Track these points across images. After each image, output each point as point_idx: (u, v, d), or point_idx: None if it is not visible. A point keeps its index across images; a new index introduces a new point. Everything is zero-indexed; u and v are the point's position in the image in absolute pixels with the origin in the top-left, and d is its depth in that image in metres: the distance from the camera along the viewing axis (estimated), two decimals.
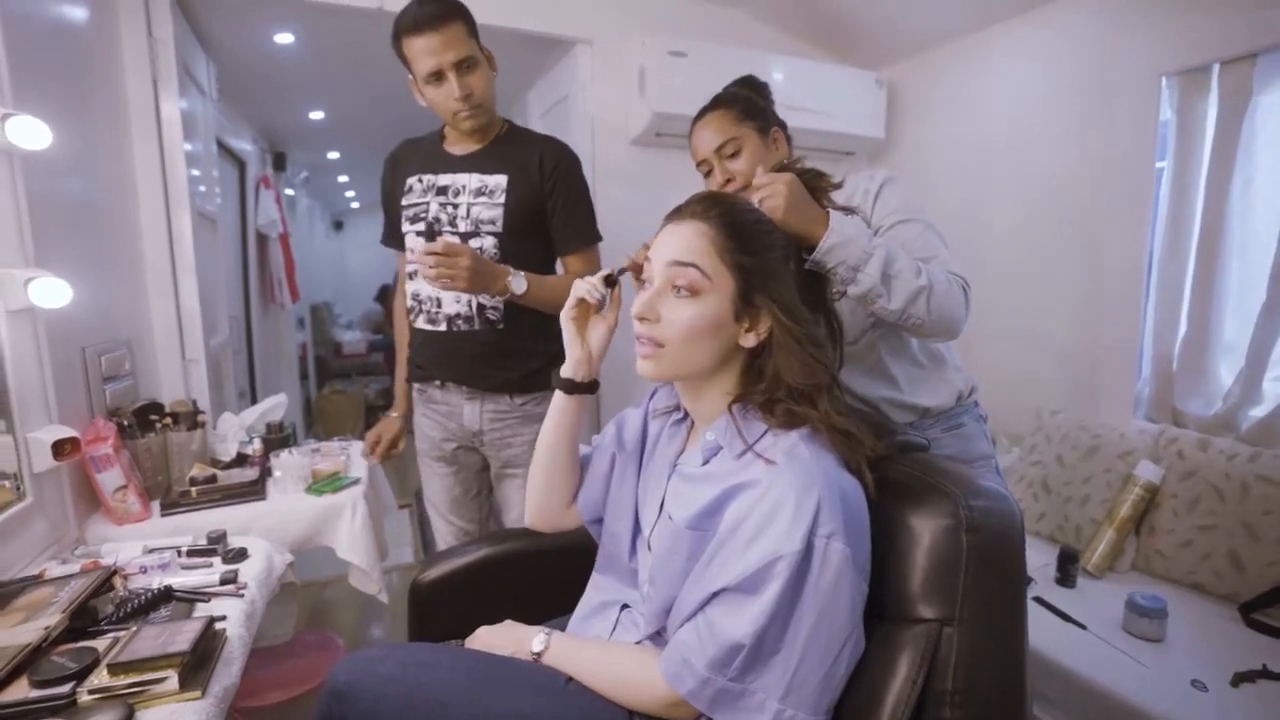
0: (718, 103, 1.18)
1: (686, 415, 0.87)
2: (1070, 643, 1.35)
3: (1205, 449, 1.57)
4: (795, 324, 0.74)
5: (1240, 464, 1.49)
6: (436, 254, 1.16)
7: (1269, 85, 1.54)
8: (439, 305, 1.35)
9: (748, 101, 1.16)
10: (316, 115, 3.43)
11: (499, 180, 1.32)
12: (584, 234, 1.40)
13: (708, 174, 1.19)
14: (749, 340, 0.76)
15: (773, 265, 0.76)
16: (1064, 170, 1.96)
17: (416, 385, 1.47)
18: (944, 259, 1.01)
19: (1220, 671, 1.22)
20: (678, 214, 0.79)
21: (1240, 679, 1.19)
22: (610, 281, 0.86)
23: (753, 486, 0.70)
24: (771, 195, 0.85)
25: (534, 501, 1.00)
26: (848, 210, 0.92)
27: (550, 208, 1.35)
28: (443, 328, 1.35)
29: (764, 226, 0.80)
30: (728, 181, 1.14)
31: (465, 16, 1.26)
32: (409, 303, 1.41)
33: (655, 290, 0.76)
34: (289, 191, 4.41)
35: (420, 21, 1.21)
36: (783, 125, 1.20)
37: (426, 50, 1.22)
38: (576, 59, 2.20)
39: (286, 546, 1.33)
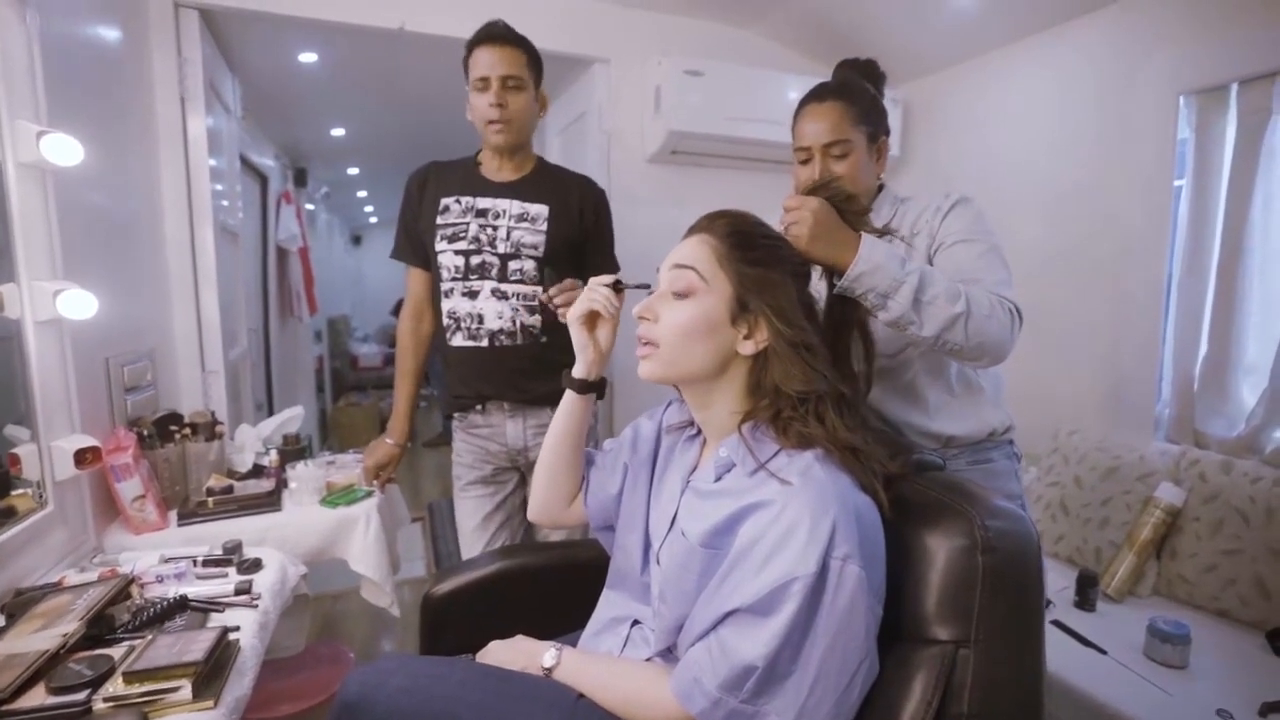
0: (841, 92, 1.09)
1: (699, 431, 0.87)
2: (1090, 668, 1.32)
3: (1229, 471, 1.54)
4: (790, 330, 0.74)
5: (1265, 487, 1.46)
6: (569, 289, 1.17)
7: None
8: (480, 321, 1.39)
9: (870, 103, 1.10)
10: (338, 132, 3.50)
11: (540, 209, 1.41)
12: (612, 268, 1.53)
13: (804, 161, 1.11)
14: (747, 347, 0.76)
15: (772, 276, 0.77)
16: (1081, 188, 1.95)
17: (456, 415, 1.48)
18: (998, 281, 0.97)
19: (1247, 701, 1.18)
20: (689, 231, 0.82)
21: (1269, 709, 1.15)
22: (617, 288, 0.91)
23: (767, 506, 0.69)
24: (798, 222, 0.84)
25: (538, 497, 1.03)
26: (884, 233, 0.89)
27: (589, 243, 1.48)
28: (485, 343, 1.39)
29: (769, 241, 0.81)
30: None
31: (530, 51, 1.39)
32: (445, 320, 1.43)
33: (658, 293, 0.80)
34: (309, 206, 4.50)
35: (492, 35, 1.35)
36: (888, 133, 1.14)
37: (484, 60, 1.34)
38: (594, 78, 2.23)
39: (300, 558, 1.34)
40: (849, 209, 0.87)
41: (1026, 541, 0.74)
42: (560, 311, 1.23)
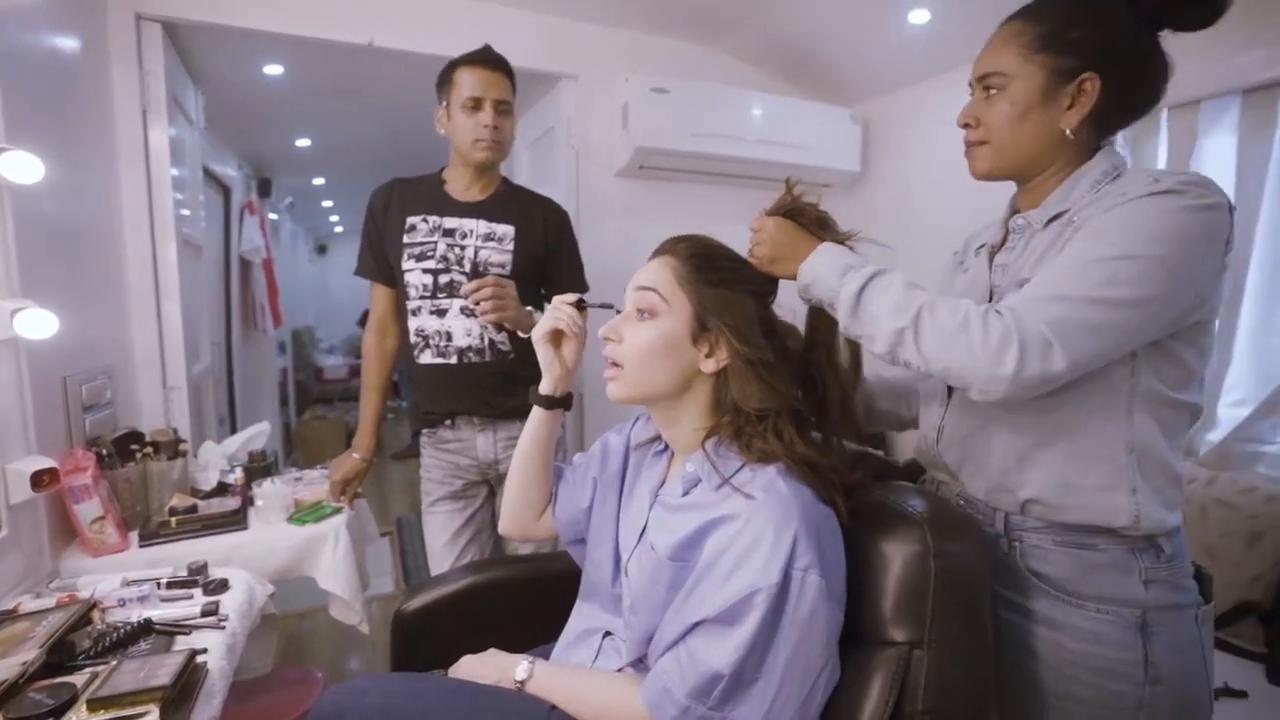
0: (1023, 11, 0.80)
1: (667, 446, 0.90)
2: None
3: None
4: (748, 348, 0.78)
5: (1199, 489, 1.55)
6: (489, 285, 1.28)
7: (1212, 129, 1.64)
8: (449, 339, 1.41)
9: (1058, 25, 0.76)
10: (303, 142, 3.46)
11: (507, 229, 1.44)
12: (582, 286, 1.56)
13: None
14: (708, 365, 0.80)
15: (730, 296, 0.80)
16: None
17: (425, 431, 1.49)
18: (1057, 298, 0.69)
19: None
20: (653, 253, 0.85)
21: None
22: (580, 306, 0.93)
23: (732, 520, 0.72)
24: (760, 244, 0.85)
25: (509, 510, 1.05)
26: (844, 239, 0.83)
27: (553, 263, 1.51)
28: (454, 360, 1.41)
29: (729, 263, 0.84)
30: (966, 126, 0.85)
31: (513, 77, 1.45)
32: (413, 338, 1.43)
33: (622, 315, 0.83)
34: (273, 216, 4.42)
35: (486, 60, 1.40)
36: (1118, 70, 0.75)
37: (478, 81, 1.38)
38: (562, 93, 2.26)
39: (268, 577, 1.33)
40: (804, 222, 0.85)
41: (976, 546, 0.78)
42: (481, 314, 1.30)
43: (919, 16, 2.00)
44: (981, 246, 0.91)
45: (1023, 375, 0.67)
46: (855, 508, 0.78)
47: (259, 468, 1.68)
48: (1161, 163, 1.73)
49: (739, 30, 2.29)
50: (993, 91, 0.80)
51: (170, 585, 1.14)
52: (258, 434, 1.78)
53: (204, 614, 1.05)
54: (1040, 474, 0.78)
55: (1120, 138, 0.84)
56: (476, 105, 1.37)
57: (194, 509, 1.44)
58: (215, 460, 1.65)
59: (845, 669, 0.73)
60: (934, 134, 2.35)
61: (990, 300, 0.84)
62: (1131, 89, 0.77)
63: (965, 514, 0.82)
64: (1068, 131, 0.77)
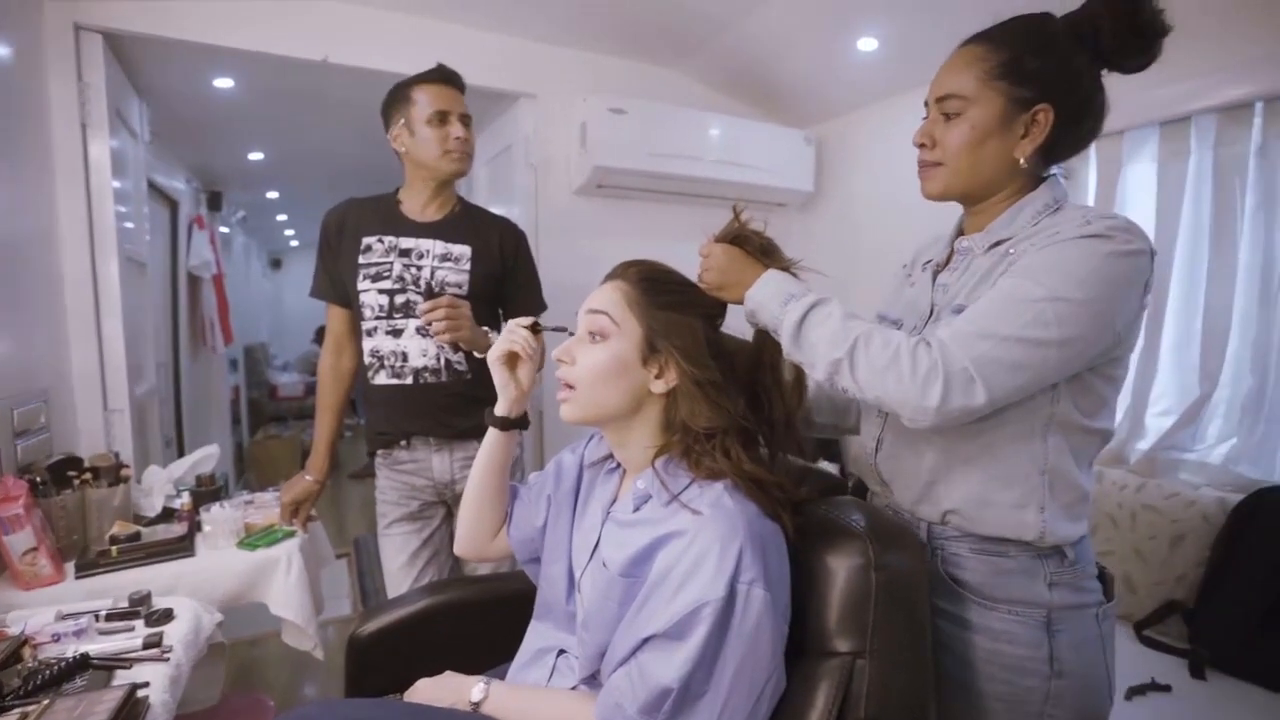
0: (982, 37, 0.81)
1: (619, 465, 0.92)
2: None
3: (1100, 480, 1.72)
4: (696, 369, 0.80)
5: (1129, 494, 1.64)
6: (443, 306, 1.28)
7: (1134, 157, 1.76)
8: (404, 360, 1.39)
9: (1017, 54, 0.77)
10: (256, 156, 3.39)
11: (464, 250, 1.43)
12: (539, 305, 1.56)
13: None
14: (658, 386, 0.82)
15: (678, 319, 0.83)
16: None
17: (380, 452, 1.47)
18: (984, 334, 0.71)
19: (1118, 686, 1.32)
20: (605, 278, 0.87)
21: (1133, 692, 1.30)
22: (535, 329, 0.94)
23: (680, 536, 0.74)
24: (707, 270, 0.87)
25: (464, 531, 1.04)
26: (788, 266, 0.85)
27: (510, 282, 1.51)
28: (409, 381, 1.40)
29: (678, 286, 0.86)
30: (922, 145, 0.85)
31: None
32: (368, 359, 1.42)
33: (575, 337, 0.85)
34: (224, 230, 4.30)
35: (445, 77, 1.41)
36: (1069, 104, 0.77)
37: (442, 96, 1.40)
38: (521, 111, 2.28)
39: (216, 604, 1.29)
40: (749, 249, 0.86)
41: (915, 557, 0.82)
42: (435, 334, 1.31)
43: (867, 44, 2.09)
44: (928, 263, 0.95)
45: (946, 408, 0.71)
46: (803, 524, 0.81)
47: (207, 492, 1.62)
48: (1092, 187, 1.84)
49: (697, 54, 2.35)
50: (951, 114, 0.81)
51: (110, 617, 1.10)
52: (206, 457, 1.73)
53: (146, 646, 1.02)
54: (961, 489, 0.83)
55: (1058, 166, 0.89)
56: (444, 118, 1.38)
57: (137, 536, 1.38)
58: (160, 485, 1.60)
59: (791, 679, 0.75)
60: (883, 155, 2.45)
61: (930, 315, 0.89)
62: (1080, 122, 0.80)
63: (903, 525, 0.86)
64: (1021, 160, 0.80)
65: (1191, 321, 1.72)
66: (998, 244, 0.82)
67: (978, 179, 0.83)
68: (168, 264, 2.94)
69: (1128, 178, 1.78)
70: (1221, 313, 1.64)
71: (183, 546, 1.38)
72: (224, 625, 1.28)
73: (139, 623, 1.10)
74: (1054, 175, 0.84)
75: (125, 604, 1.14)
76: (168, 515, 1.53)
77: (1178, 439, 1.70)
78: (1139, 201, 1.77)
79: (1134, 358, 1.73)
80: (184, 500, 1.53)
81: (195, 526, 1.49)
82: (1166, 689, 1.32)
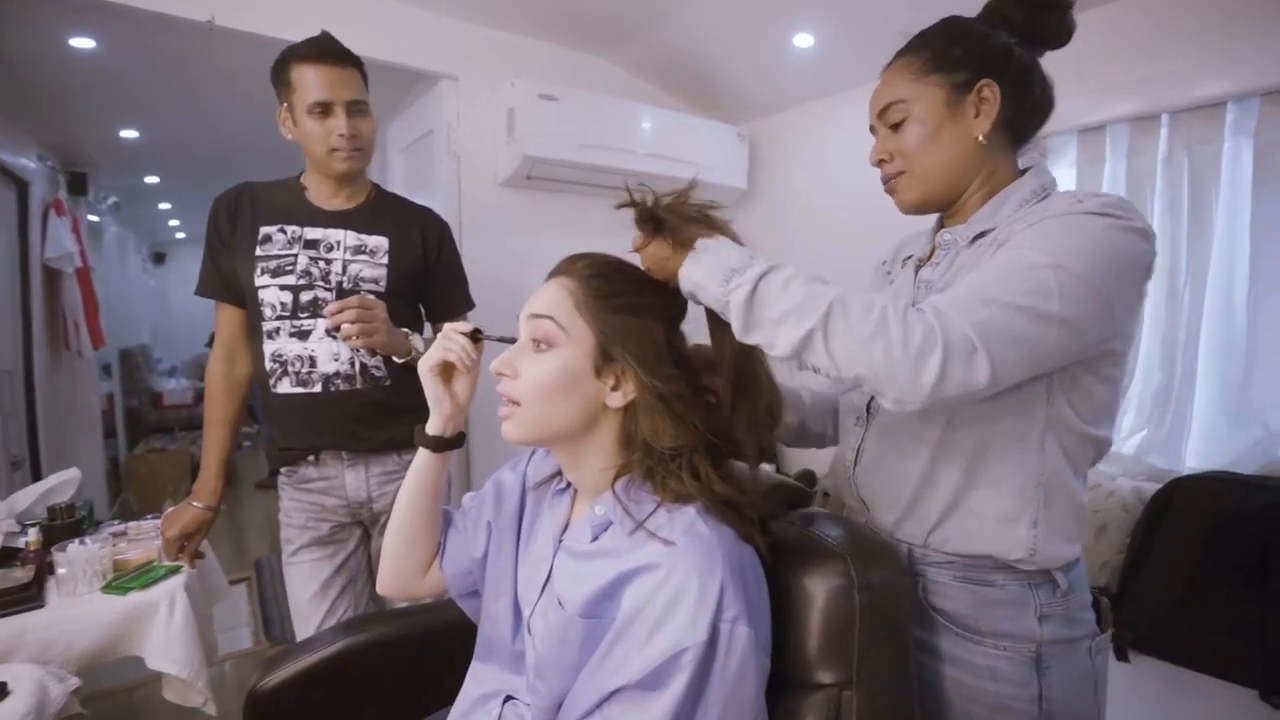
0: (900, 52, 0.81)
1: (569, 484, 0.81)
2: None
3: None
4: (657, 380, 0.70)
5: None
6: (353, 307, 1.14)
7: (1057, 162, 1.83)
8: (312, 365, 1.22)
9: (939, 49, 0.78)
10: (129, 134, 3.00)
11: (380, 241, 1.29)
12: (465, 302, 1.44)
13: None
14: (615, 400, 0.72)
15: (635, 322, 0.72)
16: (905, 226, 2.17)
17: (284, 470, 1.29)
18: (986, 300, 0.64)
19: None
20: (549, 274, 0.76)
21: None
22: (475, 337, 0.81)
23: (652, 570, 0.65)
24: (648, 270, 0.75)
25: (389, 568, 0.91)
26: (720, 227, 0.74)
27: (432, 278, 1.37)
28: (317, 389, 1.23)
29: (633, 284, 0.75)
30: (881, 162, 0.83)
31: (362, 69, 1.26)
32: (268, 364, 1.23)
33: (517, 345, 0.74)
34: (93, 219, 3.80)
35: (324, 52, 1.20)
36: (1009, 74, 0.76)
37: (321, 81, 1.19)
38: (441, 94, 2.11)
39: (72, 666, 1.07)
40: (668, 227, 0.72)
41: (897, 573, 0.76)
42: (344, 338, 1.17)
43: (803, 40, 2.07)
44: (909, 258, 0.90)
45: (944, 384, 0.62)
46: (773, 541, 0.74)
47: (63, 526, 1.36)
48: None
49: (628, 43, 2.26)
50: (897, 122, 0.79)
51: None
52: (62, 483, 1.46)
53: None
54: (948, 499, 0.77)
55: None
56: (325, 110, 1.19)
57: None
58: (0, 521, 1.33)
59: (773, 717, 0.68)
60: (818, 154, 2.46)
61: None
62: (1029, 88, 0.78)
63: (883, 541, 0.80)
64: (980, 138, 0.76)
65: None
66: (982, 235, 0.77)
67: (945, 173, 0.79)
68: (16, 255, 2.53)
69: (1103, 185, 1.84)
70: None
71: (26, 596, 1.14)
72: (91, 678, 1.06)
73: None
74: (1039, 164, 0.81)
75: None
76: (7, 557, 1.26)
77: None
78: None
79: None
80: (30, 537, 1.28)
81: (46, 569, 1.24)
82: None
